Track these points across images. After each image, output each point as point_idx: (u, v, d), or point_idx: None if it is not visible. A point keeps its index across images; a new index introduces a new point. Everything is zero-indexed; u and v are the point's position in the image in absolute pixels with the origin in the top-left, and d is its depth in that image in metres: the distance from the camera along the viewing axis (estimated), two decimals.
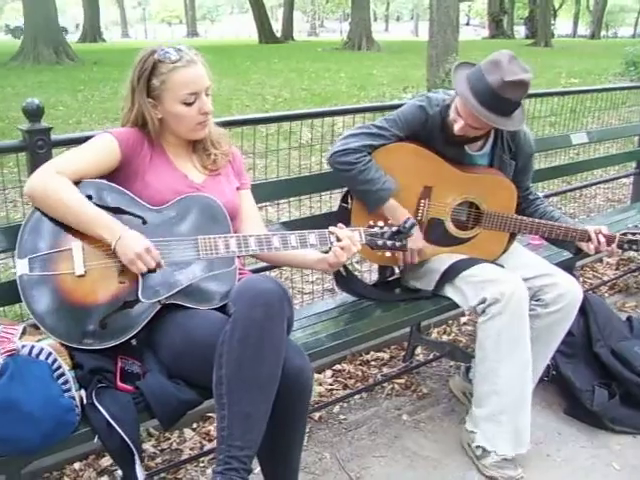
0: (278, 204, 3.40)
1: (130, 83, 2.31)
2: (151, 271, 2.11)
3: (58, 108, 10.51)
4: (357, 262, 4.12)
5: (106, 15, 56.40)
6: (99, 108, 10.94)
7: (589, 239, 2.90)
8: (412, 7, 68.67)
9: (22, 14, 21.88)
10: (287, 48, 28.35)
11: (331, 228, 2.33)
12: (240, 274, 2.32)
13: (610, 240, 2.90)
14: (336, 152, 2.80)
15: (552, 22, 36.85)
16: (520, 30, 45.97)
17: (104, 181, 2.24)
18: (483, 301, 2.68)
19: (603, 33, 48.11)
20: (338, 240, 2.30)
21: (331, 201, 3.65)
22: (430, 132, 2.82)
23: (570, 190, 5.42)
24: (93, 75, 16.26)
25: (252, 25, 37.73)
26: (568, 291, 2.79)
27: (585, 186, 5.67)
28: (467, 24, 58.50)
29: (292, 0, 38.21)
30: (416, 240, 2.81)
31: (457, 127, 2.73)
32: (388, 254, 2.44)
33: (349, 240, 2.30)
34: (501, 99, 2.60)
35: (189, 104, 2.26)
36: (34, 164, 2.38)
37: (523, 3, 46.87)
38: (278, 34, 35.45)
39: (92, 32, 34.10)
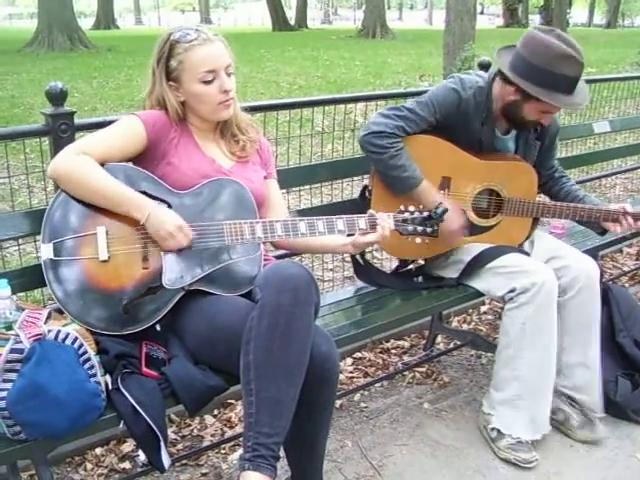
0: (300, 190, 3.38)
1: (151, 67, 2.31)
2: (181, 250, 2.12)
3: (73, 95, 10.49)
4: (376, 250, 4.09)
5: (120, 2, 56.41)
6: (114, 95, 10.94)
7: (614, 219, 2.88)
8: None
9: (36, 0, 21.90)
10: (301, 36, 28.28)
11: (370, 212, 2.33)
12: (264, 260, 2.30)
13: (637, 218, 2.88)
14: (369, 133, 2.73)
15: (568, 11, 36.58)
16: (535, 19, 45.63)
17: (129, 164, 2.24)
18: (512, 290, 2.67)
19: (619, 22, 47.67)
20: (372, 227, 2.29)
21: (350, 188, 3.64)
22: (465, 115, 2.77)
23: (589, 180, 5.37)
24: (107, 62, 16.28)
25: (265, 13, 37.71)
26: (580, 272, 2.77)
27: (604, 176, 5.63)
28: (482, 13, 57.99)
29: None
30: (458, 220, 2.78)
31: (546, 121, 2.80)
32: (418, 240, 2.40)
33: (382, 230, 2.29)
34: (573, 79, 2.64)
35: (208, 82, 2.24)
36: (57, 148, 2.37)
37: None
38: (292, 22, 35.35)
39: (106, 19, 34.12)
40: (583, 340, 2.80)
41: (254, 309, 2.00)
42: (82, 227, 2.13)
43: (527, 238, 2.97)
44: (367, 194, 2.94)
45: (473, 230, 2.90)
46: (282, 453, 2.09)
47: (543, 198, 3.15)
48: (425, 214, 2.37)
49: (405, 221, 2.36)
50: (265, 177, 2.50)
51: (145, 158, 2.25)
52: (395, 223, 2.35)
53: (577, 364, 2.82)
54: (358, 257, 3.00)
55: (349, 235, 2.37)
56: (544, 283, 2.64)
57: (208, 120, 2.35)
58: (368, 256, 3.07)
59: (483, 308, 4.05)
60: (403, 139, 2.75)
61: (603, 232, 3.05)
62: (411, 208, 2.38)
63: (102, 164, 2.16)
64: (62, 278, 2.09)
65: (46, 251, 2.10)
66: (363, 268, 3.03)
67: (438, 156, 2.81)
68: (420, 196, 2.71)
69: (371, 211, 2.35)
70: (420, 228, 2.37)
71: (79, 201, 2.15)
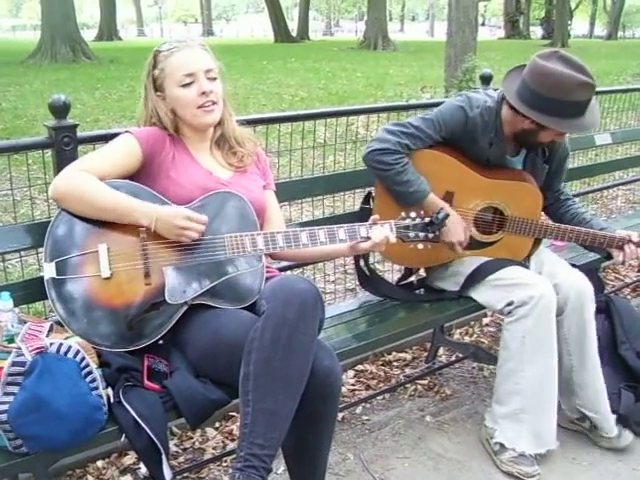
0: (302, 202, 3.38)
1: (142, 82, 2.35)
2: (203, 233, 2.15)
3: (76, 106, 10.50)
4: (378, 262, 4.09)
5: (122, 14, 56.64)
6: (116, 106, 10.97)
7: (618, 246, 2.87)
8: (428, 7, 68.59)
9: (39, 12, 21.97)
10: (303, 47, 28.34)
11: (373, 218, 2.33)
12: (268, 273, 2.30)
13: None
14: (374, 150, 2.74)
15: (569, 22, 36.69)
16: (536, 30, 45.82)
17: (128, 181, 2.24)
18: (510, 303, 2.67)
19: (620, 34, 47.74)
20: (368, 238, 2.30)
21: (352, 200, 3.64)
22: (472, 134, 2.77)
23: (590, 192, 5.38)
24: (110, 73, 16.32)
25: (268, 24, 37.83)
26: (570, 290, 2.75)
27: (605, 187, 5.61)
28: (483, 24, 58.24)
29: None
30: (458, 232, 2.78)
31: (559, 140, 2.84)
32: (420, 246, 2.40)
33: (384, 239, 2.30)
34: (586, 102, 2.65)
35: (187, 86, 2.26)
36: (60, 161, 2.39)
37: (539, 3, 46.73)
38: (293, 33, 35.45)
39: (108, 31, 34.22)
40: (583, 359, 2.79)
41: (258, 320, 2.00)
42: (84, 245, 2.14)
43: (528, 256, 2.96)
44: (371, 201, 2.94)
45: (474, 245, 2.89)
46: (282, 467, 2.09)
47: (545, 218, 3.15)
48: (426, 220, 2.37)
49: (407, 227, 2.36)
50: (264, 187, 2.51)
51: (143, 174, 2.25)
52: (397, 230, 2.35)
53: (586, 383, 2.81)
54: (363, 266, 3.00)
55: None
56: (542, 296, 2.63)
57: (195, 127, 2.35)
58: (372, 267, 3.07)
59: (485, 320, 4.04)
60: (408, 154, 2.75)
61: (608, 255, 3.01)
62: (412, 214, 2.38)
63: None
64: (65, 297, 2.10)
65: (49, 270, 2.10)
66: (368, 278, 3.03)
67: (443, 171, 2.81)
68: (427, 208, 2.72)
69: (375, 217, 2.35)
70: (422, 234, 2.37)
71: (80, 219, 2.16)
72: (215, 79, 2.31)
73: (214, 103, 2.30)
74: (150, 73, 2.32)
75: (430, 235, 2.37)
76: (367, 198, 2.99)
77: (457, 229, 2.78)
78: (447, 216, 2.38)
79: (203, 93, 2.27)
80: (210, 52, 2.35)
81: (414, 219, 2.37)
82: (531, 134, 2.74)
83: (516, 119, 2.73)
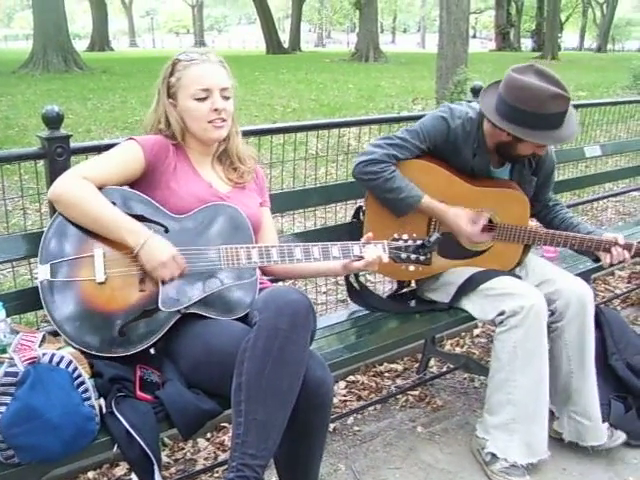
0: (294, 213, 3.40)
1: (157, 87, 2.37)
2: (173, 278, 2.13)
3: (68, 116, 10.41)
4: (369, 273, 4.10)
5: (114, 24, 56.68)
6: (108, 117, 10.97)
7: (605, 249, 2.90)
8: (419, 19, 68.90)
9: (31, 22, 21.99)
10: (295, 59, 28.43)
11: (367, 237, 2.35)
12: (261, 284, 2.31)
13: (628, 249, 2.89)
14: (361, 162, 2.77)
15: (559, 35, 36.95)
16: (527, 43, 46.13)
17: (127, 188, 2.26)
18: (502, 313, 2.69)
19: (610, 47, 48.15)
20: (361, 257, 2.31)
21: (343, 211, 3.65)
22: (454, 144, 2.80)
23: (581, 203, 5.41)
24: (102, 84, 16.32)
25: (259, 36, 37.99)
26: (572, 295, 2.78)
27: (595, 199, 5.65)
28: (474, 36, 58.53)
29: (299, 11, 38.39)
30: (461, 228, 2.82)
31: (540, 152, 2.83)
32: (412, 268, 2.41)
33: (377, 259, 2.31)
34: (562, 114, 2.66)
35: (200, 100, 2.29)
36: (53, 172, 2.39)
37: (530, 16, 47.09)
38: (285, 45, 35.57)
39: (100, 41, 34.30)
40: (582, 364, 2.81)
41: (251, 331, 2.01)
42: (79, 249, 2.14)
43: (518, 264, 2.98)
44: (361, 215, 2.96)
45: (464, 254, 2.91)
46: (273, 478, 2.10)
47: (535, 223, 3.17)
48: (419, 242, 2.38)
49: (399, 249, 2.38)
50: (260, 204, 2.52)
51: (144, 182, 2.26)
52: (389, 250, 2.36)
53: (584, 388, 2.83)
54: (353, 280, 3.02)
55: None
56: (532, 306, 2.65)
57: (202, 141, 2.37)
58: (362, 279, 3.08)
59: (476, 331, 4.05)
60: (396, 164, 2.77)
61: (597, 259, 3.04)
62: (405, 236, 2.39)
63: (101, 188, 2.18)
64: (58, 299, 2.10)
65: (43, 272, 2.10)
66: (357, 291, 3.04)
67: (431, 181, 2.83)
68: (426, 213, 2.78)
69: (369, 235, 2.37)
70: (414, 256, 2.38)
71: (76, 224, 2.16)
72: (229, 98, 2.34)
73: (224, 120, 2.33)
74: (166, 80, 2.34)
75: (422, 257, 2.39)
76: (357, 212, 3.01)
77: (459, 226, 2.81)
78: (439, 239, 2.39)
79: (215, 110, 2.29)
80: (228, 70, 2.38)
81: (406, 240, 2.39)
82: (510, 147, 2.77)
83: (495, 132, 2.77)
